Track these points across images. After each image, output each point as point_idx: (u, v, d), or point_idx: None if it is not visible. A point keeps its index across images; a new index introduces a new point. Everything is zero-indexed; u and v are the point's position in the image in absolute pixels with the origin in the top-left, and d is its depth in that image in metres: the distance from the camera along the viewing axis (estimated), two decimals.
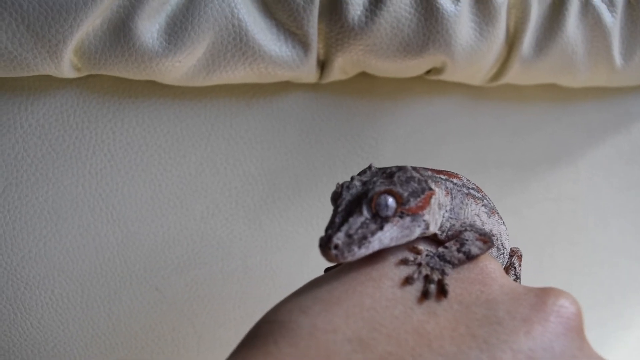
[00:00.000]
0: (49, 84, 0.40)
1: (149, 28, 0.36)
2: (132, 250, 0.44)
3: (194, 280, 0.46)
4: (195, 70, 0.39)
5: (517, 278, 0.35)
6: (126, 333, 0.45)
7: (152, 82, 0.41)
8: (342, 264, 0.28)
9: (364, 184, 0.27)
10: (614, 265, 0.56)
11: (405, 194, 0.26)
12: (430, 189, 0.28)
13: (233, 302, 0.48)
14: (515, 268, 0.35)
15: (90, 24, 0.35)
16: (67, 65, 0.36)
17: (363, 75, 0.45)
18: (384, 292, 0.25)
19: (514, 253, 0.35)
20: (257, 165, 0.45)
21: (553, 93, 0.51)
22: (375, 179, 0.27)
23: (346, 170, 0.47)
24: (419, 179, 0.27)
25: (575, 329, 0.25)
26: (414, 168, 0.29)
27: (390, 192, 0.26)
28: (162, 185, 0.44)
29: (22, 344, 0.43)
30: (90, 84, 0.41)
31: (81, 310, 0.44)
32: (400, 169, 0.28)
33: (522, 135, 0.51)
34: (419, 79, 0.47)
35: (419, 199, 0.27)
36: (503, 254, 0.33)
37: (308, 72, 0.41)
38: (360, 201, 0.26)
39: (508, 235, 0.34)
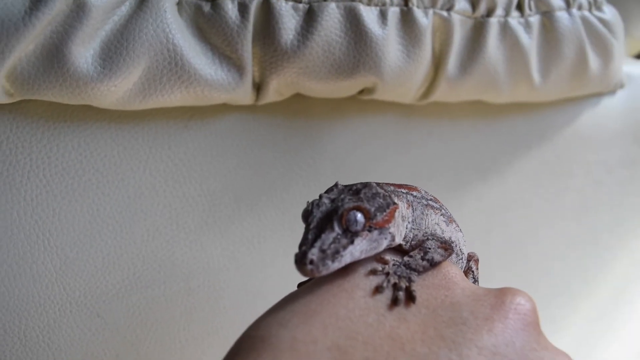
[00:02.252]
0: None
1: (83, 53, 0.37)
2: (71, 276, 0.43)
3: (136, 305, 0.45)
4: (131, 94, 0.39)
5: (475, 280, 0.37)
6: None
7: (88, 106, 0.41)
8: (314, 278, 0.29)
9: (332, 201, 0.29)
10: (546, 272, 0.59)
11: (372, 209, 0.28)
12: (394, 203, 0.29)
13: (177, 325, 0.47)
14: (473, 271, 0.37)
15: (23, 50, 0.35)
16: None
17: (299, 96, 0.47)
18: (357, 302, 0.27)
19: (471, 258, 0.37)
20: (196, 186, 0.46)
21: (480, 109, 0.53)
22: (342, 196, 0.29)
23: (285, 189, 0.48)
24: (383, 195, 0.29)
25: (532, 324, 0.27)
26: (378, 184, 0.30)
27: (358, 209, 0.28)
28: (100, 209, 0.43)
29: None
30: (23, 109, 0.40)
31: (19, 341, 0.43)
32: (366, 185, 0.29)
33: (453, 150, 0.53)
34: (352, 99, 0.48)
35: (384, 214, 0.29)
36: (462, 259, 0.35)
37: (244, 95, 0.42)
38: (331, 218, 0.28)
39: (465, 241, 0.36)
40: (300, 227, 0.29)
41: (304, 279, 0.31)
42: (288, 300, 0.28)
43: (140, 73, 0.38)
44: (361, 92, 0.46)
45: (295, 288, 0.31)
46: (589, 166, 0.58)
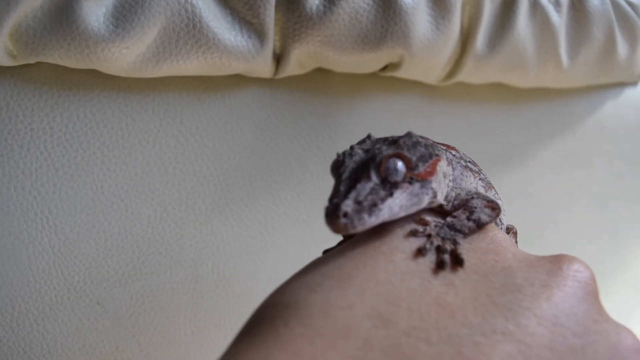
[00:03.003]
0: None
1: (95, 10, 0.34)
2: (70, 259, 0.40)
3: (139, 292, 0.43)
4: (144, 58, 0.37)
5: None
6: (63, 355, 0.42)
7: (95, 72, 0.39)
8: (342, 243, 0.26)
9: (366, 151, 0.26)
10: None
11: (414, 159, 0.25)
12: (437, 155, 0.27)
13: (183, 315, 0.45)
14: None
15: (29, 5, 0.33)
16: (1, 52, 0.34)
17: (319, 71, 0.45)
18: (397, 265, 0.24)
19: (509, 230, 0.34)
20: (208, 164, 0.43)
21: (503, 94, 0.52)
22: (378, 145, 0.26)
23: (302, 170, 0.46)
24: (425, 144, 0.26)
25: (593, 293, 0.25)
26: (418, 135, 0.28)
27: (399, 156, 0.25)
28: (104, 186, 0.40)
29: None
30: (25, 74, 0.38)
31: (10, 330, 0.40)
32: (405, 135, 0.27)
33: (475, 135, 0.52)
34: (374, 76, 0.46)
35: (427, 164, 0.26)
36: (501, 229, 0.32)
37: (264, 64, 0.40)
38: (367, 167, 0.25)
39: (504, 211, 0.33)
40: (319, 212, 0.26)
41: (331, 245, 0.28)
42: (316, 264, 0.25)
43: (155, 35, 0.36)
44: (384, 68, 0.44)
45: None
46: (609, 158, 0.58)
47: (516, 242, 0.34)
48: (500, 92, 0.52)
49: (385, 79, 0.47)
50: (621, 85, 0.57)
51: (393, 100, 0.48)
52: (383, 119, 0.48)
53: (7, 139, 0.38)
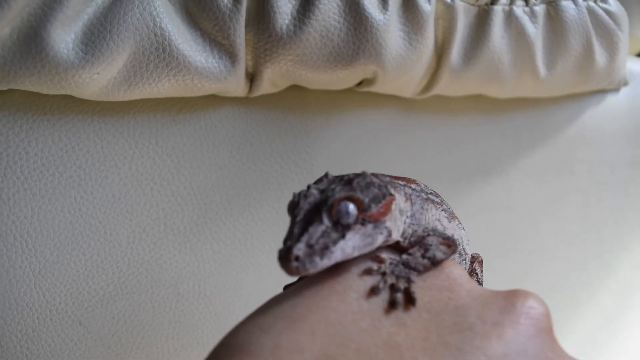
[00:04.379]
0: None
1: (64, 37, 0.34)
2: (51, 282, 0.41)
3: (121, 312, 0.43)
4: (115, 83, 0.37)
5: (479, 284, 0.34)
6: None
7: (68, 97, 0.39)
8: (302, 279, 0.27)
9: (321, 191, 0.26)
10: (548, 272, 0.57)
11: (367, 200, 0.25)
12: (391, 194, 0.27)
13: (165, 333, 0.45)
14: (477, 274, 0.34)
15: None
16: None
17: (294, 88, 0.45)
18: (350, 305, 0.24)
19: (474, 259, 0.35)
20: (185, 184, 0.43)
21: (482, 105, 0.52)
22: (333, 186, 0.26)
23: (280, 187, 0.46)
24: (379, 185, 0.26)
25: (546, 330, 0.24)
26: (373, 174, 0.28)
27: (351, 199, 0.25)
28: (82, 209, 0.41)
29: None
30: None
31: None
32: (359, 175, 0.27)
33: (454, 147, 0.51)
34: (350, 92, 0.46)
35: (380, 205, 0.26)
36: (465, 259, 0.32)
37: (236, 85, 0.40)
38: (320, 209, 0.25)
39: (468, 241, 0.33)
40: None
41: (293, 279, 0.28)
42: (272, 304, 0.25)
43: (125, 59, 0.36)
44: (360, 83, 0.45)
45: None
46: (591, 166, 0.57)
47: (481, 270, 0.34)
48: (479, 103, 0.51)
49: (361, 94, 0.47)
50: (603, 92, 0.56)
51: (370, 114, 0.48)
52: (360, 134, 0.48)
53: None
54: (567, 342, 0.58)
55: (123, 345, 0.44)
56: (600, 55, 0.50)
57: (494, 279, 0.50)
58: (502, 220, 0.54)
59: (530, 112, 0.54)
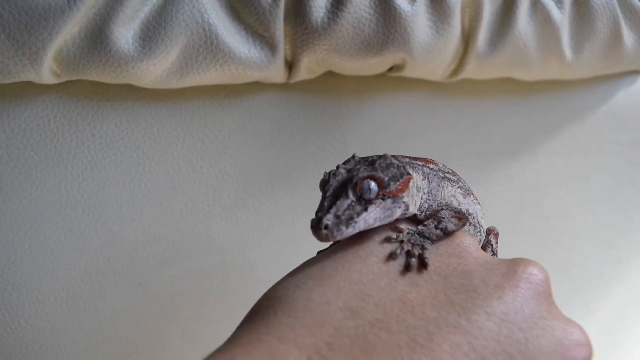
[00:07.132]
0: (29, 90, 0.41)
1: (124, 34, 0.38)
2: (114, 248, 0.45)
3: (174, 276, 0.48)
4: (169, 72, 0.41)
5: (494, 254, 0.38)
6: (111, 329, 0.47)
7: (128, 85, 0.43)
8: (332, 245, 0.31)
9: (348, 171, 0.30)
10: (576, 251, 0.59)
11: (386, 179, 0.29)
12: (408, 173, 0.31)
13: (214, 297, 0.49)
14: (492, 245, 0.38)
15: (68, 32, 0.37)
16: (47, 72, 0.38)
17: (329, 74, 0.48)
18: (370, 267, 0.28)
19: (490, 232, 0.38)
20: (231, 163, 0.47)
21: (510, 87, 0.53)
22: (358, 166, 0.30)
23: (316, 166, 0.49)
24: (397, 165, 0.30)
25: (544, 294, 0.28)
26: (394, 156, 0.32)
27: (372, 177, 0.29)
28: (141, 184, 0.45)
29: (10, 344, 0.44)
30: (69, 89, 0.42)
31: (67, 308, 0.45)
32: (381, 157, 0.31)
33: (483, 128, 0.53)
34: (382, 76, 0.49)
35: (398, 183, 0.30)
36: (480, 231, 0.36)
37: (276, 72, 0.44)
38: (346, 186, 0.29)
39: (484, 215, 0.37)
40: None
41: (325, 246, 0.32)
42: (305, 265, 0.29)
43: (178, 52, 0.40)
44: (390, 69, 0.47)
45: None
46: (621, 146, 0.58)
47: (497, 242, 0.38)
48: (507, 85, 0.53)
49: (391, 79, 0.50)
50: (635, 73, 0.57)
51: (400, 98, 0.51)
52: (391, 116, 0.51)
53: (56, 146, 0.43)
54: (596, 317, 0.59)
55: (177, 306, 0.48)
56: (628, 37, 0.50)
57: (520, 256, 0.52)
58: (529, 199, 0.55)
59: (559, 94, 0.55)
